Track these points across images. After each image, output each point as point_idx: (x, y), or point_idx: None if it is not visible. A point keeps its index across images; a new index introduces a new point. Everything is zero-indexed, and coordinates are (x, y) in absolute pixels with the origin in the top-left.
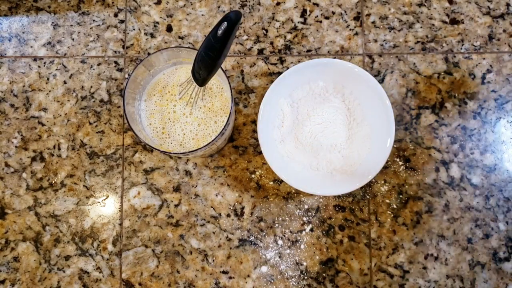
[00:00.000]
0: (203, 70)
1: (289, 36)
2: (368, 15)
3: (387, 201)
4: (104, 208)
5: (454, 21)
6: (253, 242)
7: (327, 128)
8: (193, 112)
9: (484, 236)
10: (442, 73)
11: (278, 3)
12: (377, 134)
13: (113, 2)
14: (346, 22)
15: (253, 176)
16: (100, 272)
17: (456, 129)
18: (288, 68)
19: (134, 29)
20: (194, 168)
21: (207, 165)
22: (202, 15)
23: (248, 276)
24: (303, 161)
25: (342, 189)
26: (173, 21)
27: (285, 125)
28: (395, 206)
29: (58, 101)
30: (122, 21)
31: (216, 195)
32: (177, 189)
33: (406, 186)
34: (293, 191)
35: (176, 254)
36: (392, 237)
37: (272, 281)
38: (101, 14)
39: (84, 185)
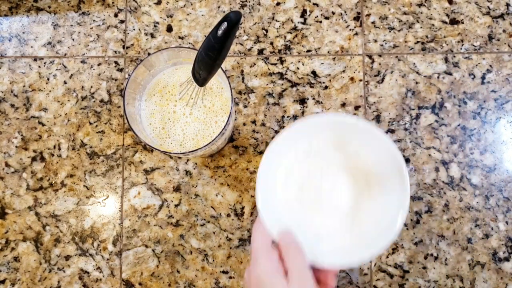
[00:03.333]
0: (203, 70)
1: (289, 36)
2: (368, 15)
3: None
4: (104, 208)
5: (454, 21)
6: None
7: (333, 191)
8: (193, 112)
9: (484, 236)
10: (442, 73)
11: (278, 3)
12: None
13: (113, 2)
14: (346, 22)
15: (253, 176)
16: (100, 272)
17: (456, 129)
18: (288, 68)
19: (134, 29)
20: (194, 168)
21: (207, 165)
22: (202, 15)
23: None
24: (296, 215)
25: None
26: (173, 21)
27: (291, 177)
28: None
29: (58, 101)
30: (122, 21)
31: (216, 195)
32: (177, 189)
33: None
34: None
35: (176, 254)
36: None
37: None
38: (101, 14)
39: (84, 185)
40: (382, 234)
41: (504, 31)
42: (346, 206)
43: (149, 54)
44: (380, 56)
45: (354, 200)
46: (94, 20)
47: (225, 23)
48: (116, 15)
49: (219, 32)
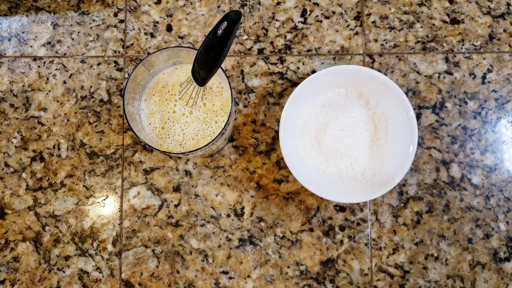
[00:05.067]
0: (203, 70)
1: (289, 36)
2: (369, 14)
3: (387, 201)
4: (104, 208)
5: (454, 21)
6: (253, 242)
7: (348, 138)
8: (193, 112)
9: (485, 236)
10: (443, 73)
11: (278, 3)
12: (395, 156)
13: (113, 2)
14: (347, 21)
15: (253, 176)
16: (100, 272)
17: (456, 129)
18: (288, 68)
19: (134, 29)
20: (194, 168)
21: (207, 165)
22: (202, 14)
23: (248, 276)
24: (313, 159)
25: (345, 197)
26: (173, 21)
27: (309, 124)
28: (395, 206)
29: (58, 101)
30: (122, 21)
31: (216, 195)
32: (177, 189)
33: (407, 186)
34: (293, 190)
35: (176, 254)
36: (392, 237)
37: (272, 281)
38: (101, 13)
39: (84, 185)
40: (395, 171)
41: (504, 30)
42: (361, 151)
43: (148, 53)
44: (380, 55)
45: (367, 145)
46: (93, 20)
47: (225, 22)
48: (115, 15)
49: (219, 31)
